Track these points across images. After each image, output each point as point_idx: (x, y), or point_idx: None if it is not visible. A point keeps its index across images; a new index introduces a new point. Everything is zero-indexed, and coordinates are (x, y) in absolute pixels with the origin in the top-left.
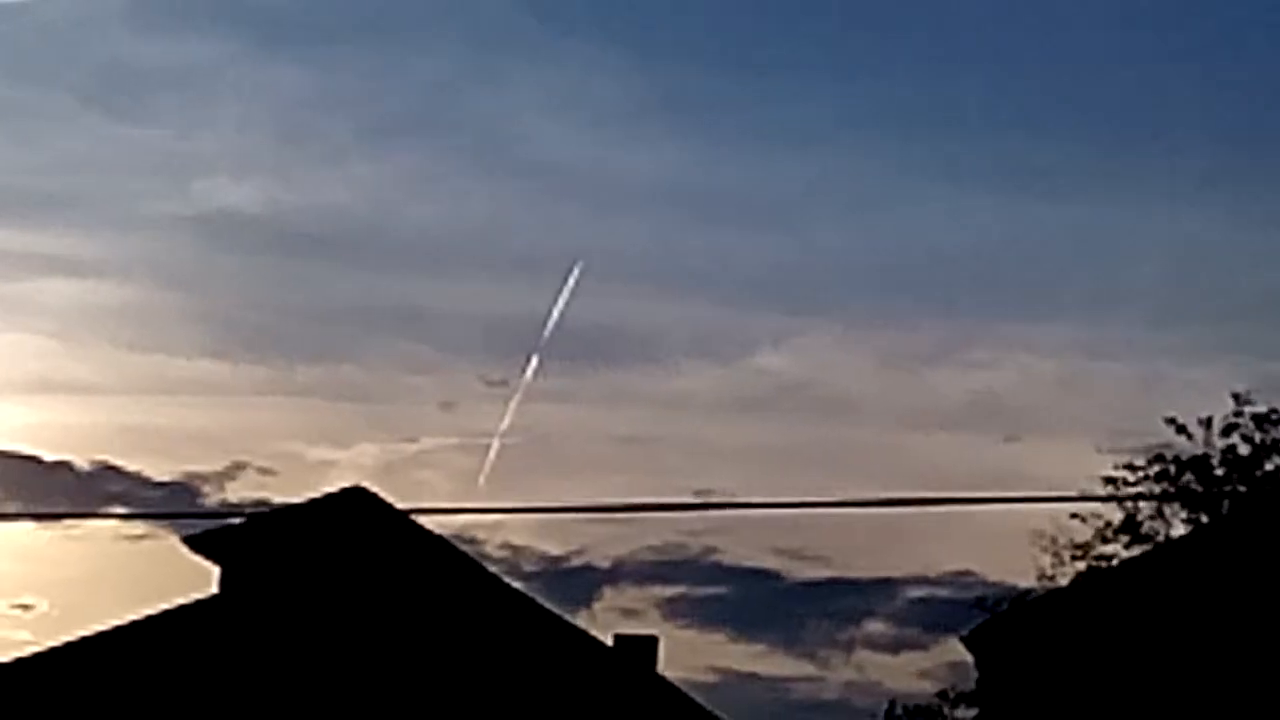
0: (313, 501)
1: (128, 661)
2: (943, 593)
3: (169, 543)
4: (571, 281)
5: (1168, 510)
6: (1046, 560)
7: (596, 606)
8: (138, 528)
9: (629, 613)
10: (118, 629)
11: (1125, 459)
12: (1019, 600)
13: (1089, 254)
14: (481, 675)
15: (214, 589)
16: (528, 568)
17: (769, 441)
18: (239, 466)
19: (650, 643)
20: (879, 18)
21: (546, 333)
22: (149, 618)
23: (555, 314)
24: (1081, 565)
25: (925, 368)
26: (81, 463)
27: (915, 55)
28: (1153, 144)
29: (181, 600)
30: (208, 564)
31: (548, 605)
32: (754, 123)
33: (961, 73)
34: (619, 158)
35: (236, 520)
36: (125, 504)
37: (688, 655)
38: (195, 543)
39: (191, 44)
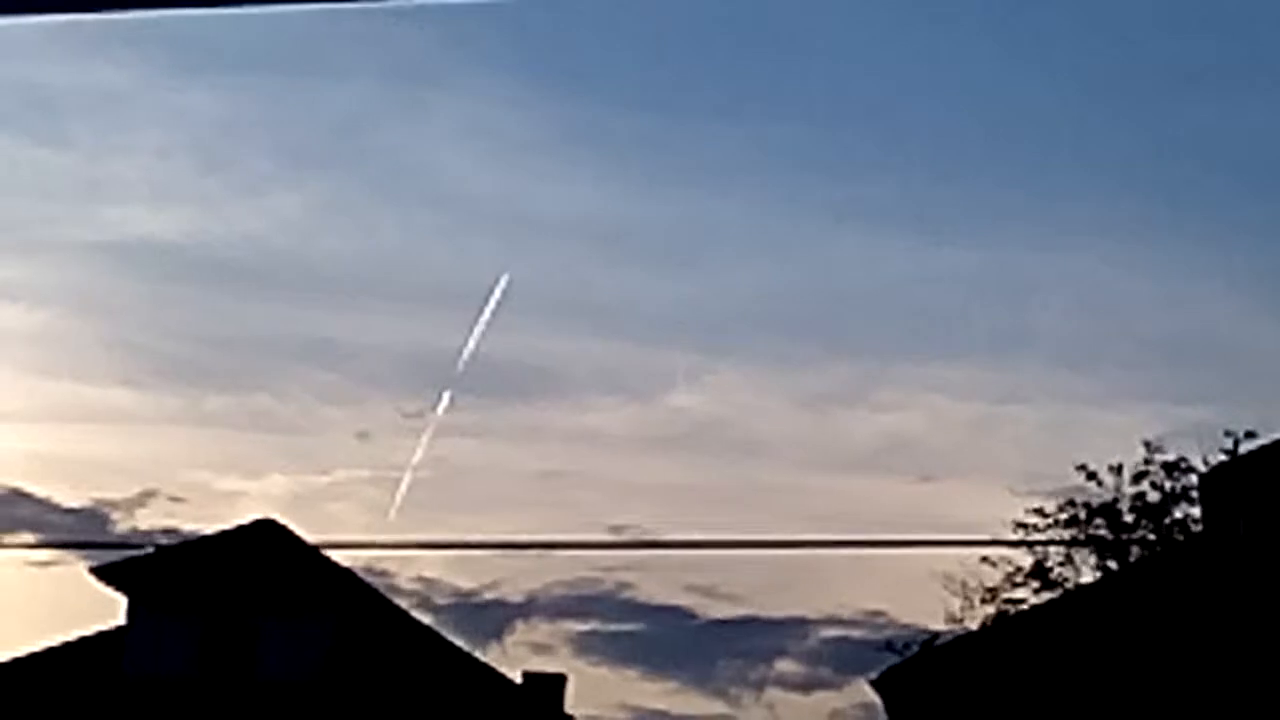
0: (222, 533)
1: (29, 693)
2: (855, 633)
3: (76, 570)
4: (497, 294)
5: (1077, 556)
6: (956, 603)
7: (508, 641)
8: (45, 554)
9: (540, 648)
10: (16, 660)
11: (1039, 503)
12: (928, 644)
13: (1002, 296)
14: (388, 711)
15: (121, 620)
16: (439, 601)
17: (683, 479)
18: (149, 494)
19: (558, 681)
20: (789, 59)
21: (460, 365)
22: (51, 649)
23: (470, 344)
24: (991, 609)
25: (838, 408)
26: None
27: (827, 96)
28: (1067, 186)
29: (87, 630)
30: (115, 594)
31: (459, 639)
32: (668, 159)
33: (871, 114)
34: (535, 191)
35: (146, 550)
36: (34, 529)
37: (598, 692)
38: (103, 573)
39: (107, 69)
